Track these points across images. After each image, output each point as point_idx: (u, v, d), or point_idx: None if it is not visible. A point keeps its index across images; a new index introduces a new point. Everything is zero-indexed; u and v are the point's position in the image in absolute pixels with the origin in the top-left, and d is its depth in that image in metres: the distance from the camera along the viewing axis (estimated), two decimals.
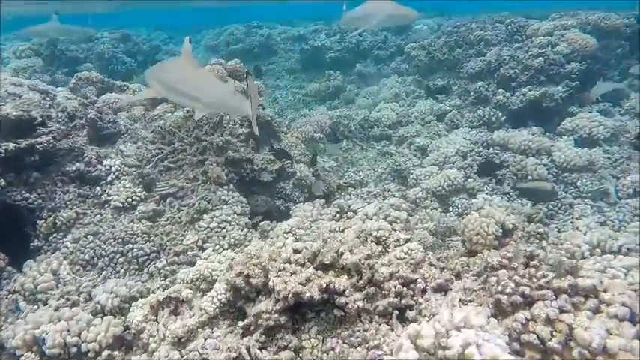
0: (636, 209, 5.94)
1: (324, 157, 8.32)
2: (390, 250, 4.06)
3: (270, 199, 6.50)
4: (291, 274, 3.04)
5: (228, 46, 17.51)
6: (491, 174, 6.89)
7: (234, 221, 5.55)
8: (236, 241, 5.27)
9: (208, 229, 5.40)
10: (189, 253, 5.11)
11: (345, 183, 7.40)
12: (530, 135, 7.39)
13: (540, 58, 8.73)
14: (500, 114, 8.55)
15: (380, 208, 5.16)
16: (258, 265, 3.22)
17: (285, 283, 2.94)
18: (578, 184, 6.69)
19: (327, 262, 3.20)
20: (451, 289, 3.11)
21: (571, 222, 6.12)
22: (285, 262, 3.14)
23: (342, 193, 7.22)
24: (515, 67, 8.94)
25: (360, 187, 7.41)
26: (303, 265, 3.21)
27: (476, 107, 8.97)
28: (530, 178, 6.74)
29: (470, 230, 4.90)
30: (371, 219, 5.05)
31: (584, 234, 4.46)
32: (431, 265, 3.64)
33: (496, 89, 8.93)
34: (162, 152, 6.44)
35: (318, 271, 3.12)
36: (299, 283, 2.95)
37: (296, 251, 3.35)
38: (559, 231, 6.01)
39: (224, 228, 5.45)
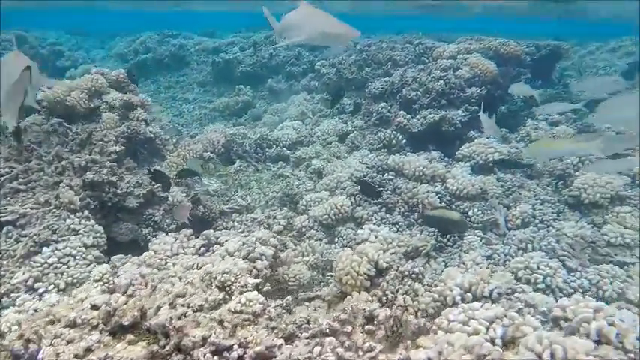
0: (522, 242, 5.69)
1: (213, 179, 7.68)
2: (233, 298, 3.49)
3: (137, 226, 5.80)
4: (68, 342, 2.38)
5: (137, 55, 16.57)
6: (381, 201, 6.49)
7: (81, 255, 4.82)
8: (76, 280, 4.54)
9: (45, 264, 4.62)
10: (13, 295, 4.32)
11: (229, 209, 6.78)
12: (426, 161, 7.07)
13: (442, 81, 8.52)
14: (400, 137, 8.24)
15: (244, 243, 4.58)
16: (35, 329, 2.54)
17: (57, 355, 2.28)
18: (470, 213, 6.40)
19: (127, 324, 2.56)
20: (275, 358, 2.56)
21: (459, 255, 5.79)
22: (66, 326, 2.48)
23: (226, 220, 6.62)
24: (418, 90, 8.69)
25: (246, 213, 6.82)
26: (96, 327, 2.56)
27: (377, 129, 8.62)
28: (425, 206, 6.40)
29: (340, 270, 4.43)
30: (232, 255, 4.47)
31: (457, 276, 4.06)
32: (270, 319, 3.09)
33: (398, 111, 8.62)
34: (12, 171, 5.63)
35: (109, 337, 2.48)
36: (75, 356, 2.29)
37: (94, 307, 2.70)
38: (446, 265, 5.66)
39: (66, 263, 4.70)
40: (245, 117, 12.46)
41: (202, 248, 5.04)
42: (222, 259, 4.36)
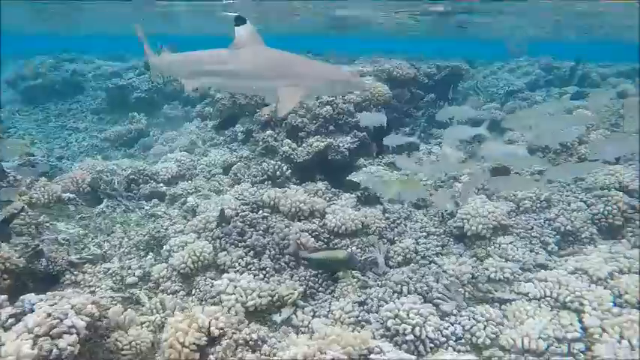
0: (397, 284, 5.16)
1: (72, 223, 6.77)
2: None
3: None
4: None
5: (24, 81, 15.32)
6: (251, 245, 5.81)
7: None
8: None
9: None
10: None
11: (80, 259, 5.90)
12: (305, 195, 6.47)
13: (329, 107, 8.02)
14: (285, 167, 7.65)
15: (49, 315, 3.78)
16: None
17: None
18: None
19: None
20: None
21: (330, 302, 5.18)
22: None
23: (75, 273, 5.74)
24: (304, 116, 8.14)
25: (102, 262, 5.96)
26: None
27: (262, 159, 8.00)
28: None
29: (164, 341, 3.68)
30: (31, 332, 3.66)
31: (297, 345, 3.43)
32: None
33: (285, 139, 8.03)
34: None
35: None
36: None
37: None
38: (314, 315, 5.04)
39: None
40: (136, 147, 11.56)
41: (11, 319, 4.16)
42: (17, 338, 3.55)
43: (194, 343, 3.65)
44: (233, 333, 3.71)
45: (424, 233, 6.22)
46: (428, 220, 6.52)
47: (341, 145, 7.65)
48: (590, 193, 6.41)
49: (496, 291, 5.19)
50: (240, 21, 4.50)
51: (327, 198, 7.02)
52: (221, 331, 3.74)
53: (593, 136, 7.39)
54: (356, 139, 7.83)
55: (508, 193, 6.60)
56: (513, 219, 6.18)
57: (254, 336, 3.71)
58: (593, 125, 7.84)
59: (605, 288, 4.80)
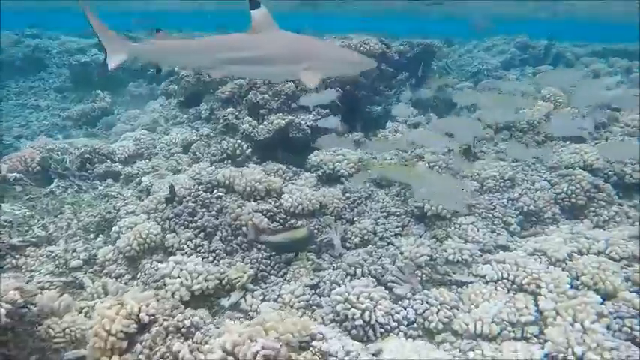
0: (351, 266, 4.95)
1: (18, 204, 6.42)
2: None
3: None
4: None
5: None
6: (201, 226, 5.55)
7: None
8: None
9: None
10: None
11: (23, 241, 5.60)
12: (261, 174, 6.21)
13: (291, 83, 7.72)
14: (245, 146, 7.37)
15: None
16: None
17: None
18: None
19: None
20: None
21: (281, 285, 4.96)
22: None
23: (17, 256, 5.45)
24: (266, 92, 7.84)
25: (47, 245, 5.67)
26: None
27: (222, 137, 7.70)
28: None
29: (89, 329, 3.43)
30: None
31: (231, 332, 3.21)
32: None
33: (246, 117, 7.73)
34: None
35: None
36: None
37: None
38: (263, 299, 4.83)
39: None
40: (99, 126, 11.16)
41: None
42: None
43: (122, 331, 3.39)
44: (164, 319, 3.47)
45: (384, 213, 6.01)
46: (390, 199, 6.30)
47: (302, 122, 7.37)
48: (555, 172, 6.25)
49: (454, 273, 5.02)
50: (254, 5, 4.36)
51: (288, 177, 6.79)
52: (152, 317, 3.50)
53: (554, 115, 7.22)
54: (319, 117, 7.54)
55: (473, 172, 6.42)
56: (476, 199, 6.00)
57: (187, 322, 3.48)
58: (561, 104, 7.66)
59: (562, 269, 4.65)
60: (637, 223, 5.49)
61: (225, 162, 7.30)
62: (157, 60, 5.50)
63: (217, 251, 5.30)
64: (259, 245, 5.36)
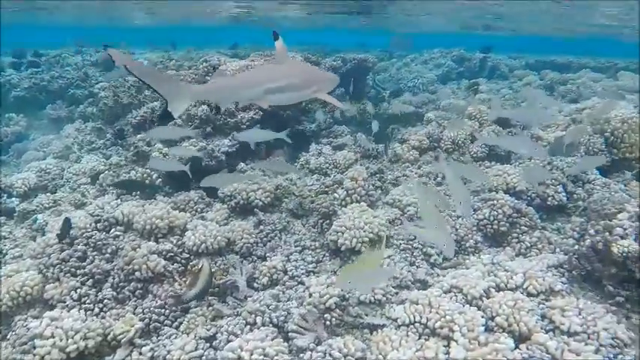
0: (252, 314, 4.47)
1: None
2: None
3: None
4: None
5: None
6: (90, 272, 4.96)
7: None
8: None
9: None
10: None
11: None
12: (164, 210, 5.67)
13: (205, 106, 7.22)
14: (155, 175, 6.81)
15: None
16: None
17: None
18: None
19: None
20: None
21: (174, 339, 4.43)
22: None
23: None
24: (180, 117, 7.31)
25: None
26: None
27: (132, 166, 7.12)
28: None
29: None
30: None
31: None
32: None
33: (157, 143, 7.18)
34: None
35: None
36: None
37: None
38: (152, 357, 4.28)
39: None
40: (10, 152, 10.35)
41: None
42: None
43: None
44: None
45: (299, 247, 5.58)
46: (306, 231, 5.88)
47: (216, 149, 6.87)
48: (479, 197, 5.96)
49: (366, 315, 4.60)
50: (276, 37, 4.67)
51: (199, 209, 6.27)
52: None
53: (484, 132, 6.96)
54: (235, 142, 7.07)
55: (394, 199, 6.07)
56: (396, 228, 5.63)
57: None
58: (487, 122, 7.42)
59: (478, 309, 4.29)
60: (558, 250, 5.23)
61: (134, 194, 6.72)
62: (217, 99, 5.12)
63: (106, 301, 4.74)
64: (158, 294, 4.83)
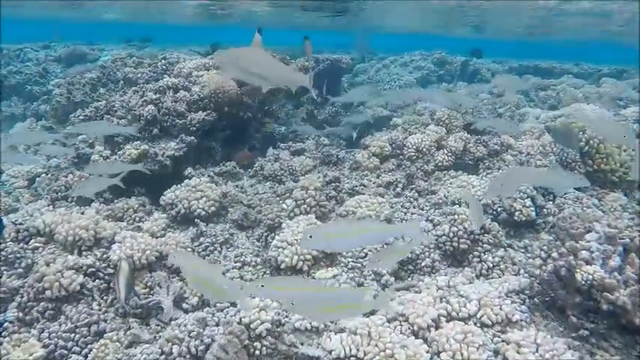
0: (168, 342, 3.92)
1: None
2: None
3: None
4: None
5: None
6: None
7: None
8: None
9: None
10: None
11: None
12: (89, 220, 5.11)
13: (151, 106, 6.67)
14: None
15: None
16: None
17: None
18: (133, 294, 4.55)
19: None
20: None
21: None
22: None
23: None
24: (125, 117, 6.77)
25: None
26: None
27: (71, 170, 6.56)
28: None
29: None
30: None
31: None
32: None
33: (97, 145, 6.62)
34: None
35: None
36: None
37: None
38: None
39: None
40: None
41: None
42: None
43: None
44: None
45: (239, 264, 5.05)
46: (250, 244, 5.36)
47: (160, 152, 6.32)
48: (440, 210, 5.46)
49: (302, 344, 4.08)
50: (259, 30, 4.71)
51: (137, 218, 5.73)
52: None
53: (452, 139, 6.45)
54: (183, 145, 6.53)
55: (348, 210, 5.56)
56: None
57: None
58: (456, 128, 6.93)
59: (424, 341, 3.78)
60: (522, 271, 4.72)
61: (69, 200, 6.15)
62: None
63: (7, 324, 4.17)
64: (67, 314, 4.27)
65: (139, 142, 6.53)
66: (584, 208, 5.42)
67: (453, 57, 14.59)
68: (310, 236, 3.11)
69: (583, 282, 3.80)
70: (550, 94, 10.67)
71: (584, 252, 3.99)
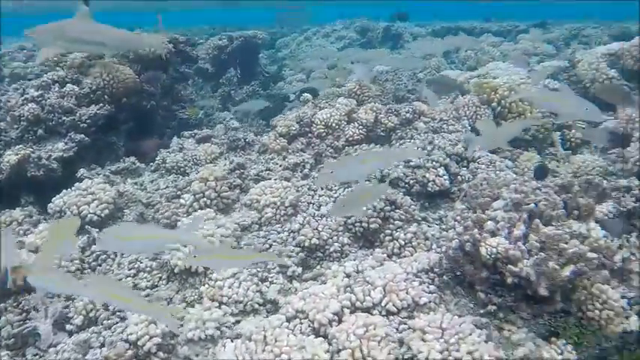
0: None
1: None
2: None
3: None
4: None
5: None
6: None
7: None
8: None
9: None
10: None
11: None
12: None
13: (33, 104, 6.02)
14: None
15: None
16: None
17: None
18: None
19: None
20: None
21: None
22: None
23: None
24: (3, 119, 6.10)
25: None
26: None
27: None
28: None
29: None
30: None
31: None
32: None
33: None
34: None
35: None
36: None
37: None
38: None
39: None
40: None
41: None
42: None
43: None
44: None
45: (133, 271, 4.58)
46: None
47: (45, 155, 5.71)
48: (349, 189, 5.13)
49: (197, 356, 3.70)
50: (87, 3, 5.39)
51: (21, 231, 5.16)
52: None
53: (362, 111, 6.10)
54: (73, 144, 5.94)
55: (252, 199, 5.16)
56: (248, 237, 4.72)
57: None
58: (369, 98, 6.60)
59: (324, 340, 3.46)
60: (434, 246, 4.45)
61: None
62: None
63: None
64: None
65: (21, 145, 5.88)
66: (497, 172, 5.21)
67: (376, 23, 14.23)
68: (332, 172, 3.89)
69: (487, 256, 3.55)
70: (469, 54, 10.48)
71: (489, 223, 3.75)
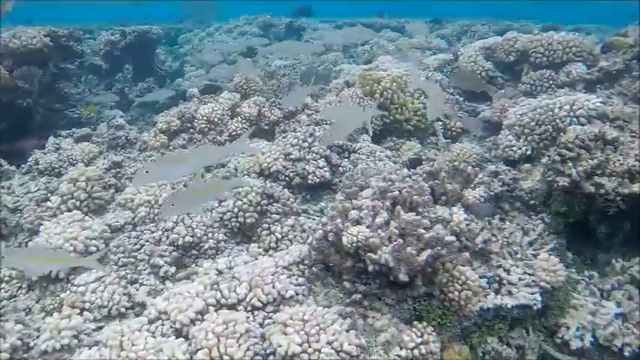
0: None
1: None
2: None
3: None
4: None
5: None
6: None
7: None
8: None
9: None
10: None
11: None
12: None
13: None
14: None
15: None
16: None
17: None
18: None
19: None
20: None
21: None
22: None
23: None
24: None
25: None
26: None
27: None
28: None
29: None
30: None
31: None
32: None
33: None
34: None
35: None
36: None
37: None
38: None
39: None
40: None
41: None
42: None
43: None
44: None
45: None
46: None
47: None
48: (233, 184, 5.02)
49: None
50: None
51: None
52: None
53: (245, 105, 6.01)
54: None
55: (126, 198, 4.93)
56: (119, 238, 4.50)
57: None
58: (255, 92, 6.51)
59: (185, 341, 3.33)
60: (306, 236, 4.43)
61: None
62: None
63: None
64: None
65: None
66: (377, 162, 5.28)
67: (279, 19, 14.17)
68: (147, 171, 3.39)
69: (349, 245, 3.55)
70: (366, 48, 10.66)
71: (353, 212, 3.75)
